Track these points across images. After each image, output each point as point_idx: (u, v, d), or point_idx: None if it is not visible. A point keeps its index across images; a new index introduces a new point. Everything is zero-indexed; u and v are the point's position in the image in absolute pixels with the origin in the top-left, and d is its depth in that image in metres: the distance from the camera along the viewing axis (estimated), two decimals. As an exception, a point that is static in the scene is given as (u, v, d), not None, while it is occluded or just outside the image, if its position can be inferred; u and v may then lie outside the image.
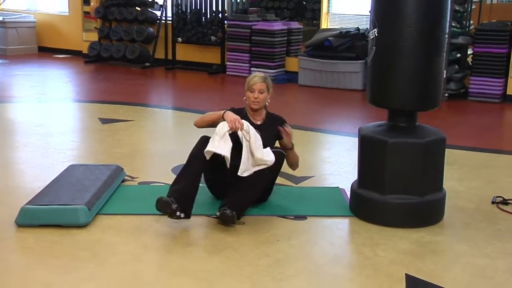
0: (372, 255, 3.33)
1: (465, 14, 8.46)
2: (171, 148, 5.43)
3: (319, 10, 11.26)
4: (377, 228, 3.67)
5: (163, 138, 5.91)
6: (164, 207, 3.51)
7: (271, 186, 4.02)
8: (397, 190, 3.69)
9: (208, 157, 3.61)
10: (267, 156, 3.67)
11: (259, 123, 3.95)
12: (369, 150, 3.79)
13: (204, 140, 3.67)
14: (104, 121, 6.49)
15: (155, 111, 7.35)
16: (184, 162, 3.71)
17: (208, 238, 3.53)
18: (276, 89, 9.10)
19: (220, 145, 3.58)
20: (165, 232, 3.57)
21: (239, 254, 3.30)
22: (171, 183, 3.70)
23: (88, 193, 3.82)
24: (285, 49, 9.71)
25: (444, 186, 3.90)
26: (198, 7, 10.19)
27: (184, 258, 3.25)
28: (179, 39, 10.37)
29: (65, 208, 3.60)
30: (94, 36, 11.24)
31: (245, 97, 3.96)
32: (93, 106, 7.46)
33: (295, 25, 10.01)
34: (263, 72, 9.65)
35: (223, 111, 3.75)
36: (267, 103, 3.98)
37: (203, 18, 10.19)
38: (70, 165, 4.52)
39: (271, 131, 3.93)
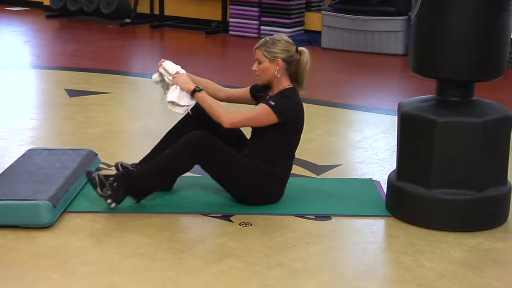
0: (415, 266, 3.34)
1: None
2: (157, 128, 5.42)
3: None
4: (422, 232, 3.68)
5: (147, 115, 5.92)
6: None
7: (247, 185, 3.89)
8: (448, 183, 3.69)
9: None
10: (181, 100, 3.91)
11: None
12: (412, 132, 3.78)
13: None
14: (73, 93, 6.50)
15: (137, 81, 7.35)
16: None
17: (206, 243, 3.55)
18: (293, 53, 9.12)
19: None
20: (150, 234, 3.60)
21: (244, 263, 3.32)
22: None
23: (53, 185, 3.83)
24: (304, 1, 9.67)
25: (509, 179, 3.90)
26: None
27: (175, 268, 3.27)
28: (168, -11, 10.34)
29: (23, 204, 3.61)
30: (59, -16, 11.22)
31: None
32: (58, 74, 7.46)
33: (318, -30, 9.96)
34: (276, 32, 9.68)
35: None
36: (277, 76, 3.76)
37: (199, -39, 10.17)
38: (30, 149, 4.53)
39: None
